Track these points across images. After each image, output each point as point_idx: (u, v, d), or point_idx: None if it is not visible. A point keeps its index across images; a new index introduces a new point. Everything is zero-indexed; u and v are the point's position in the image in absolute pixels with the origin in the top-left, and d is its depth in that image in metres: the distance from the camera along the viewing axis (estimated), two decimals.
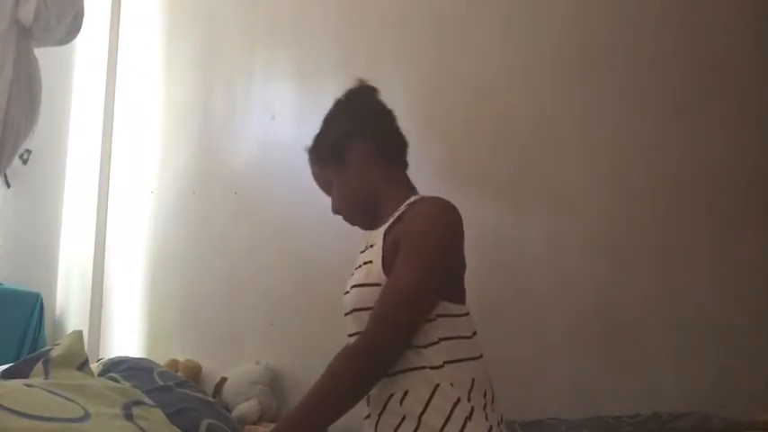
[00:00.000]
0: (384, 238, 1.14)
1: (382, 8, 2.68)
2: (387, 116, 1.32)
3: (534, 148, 2.44)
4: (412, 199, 1.18)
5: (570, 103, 2.43)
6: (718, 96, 2.33)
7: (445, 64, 2.56)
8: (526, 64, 2.49)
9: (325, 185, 1.32)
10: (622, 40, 2.43)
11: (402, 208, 1.17)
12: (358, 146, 1.25)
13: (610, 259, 2.31)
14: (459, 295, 1.15)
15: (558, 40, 2.47)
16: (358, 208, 1.27)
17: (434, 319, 1.08)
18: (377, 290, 1.08)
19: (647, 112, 2.37)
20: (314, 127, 2.54)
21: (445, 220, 1.12)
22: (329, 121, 1.34)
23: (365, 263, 1.15)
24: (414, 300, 1.05)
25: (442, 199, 1.16)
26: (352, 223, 1.31)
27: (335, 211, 1.31)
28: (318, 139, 1.34)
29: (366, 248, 1.19)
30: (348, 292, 1.17)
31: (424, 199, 1.17)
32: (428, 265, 1.07)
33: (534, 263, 2.36)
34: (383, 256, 1.11)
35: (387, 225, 1.17)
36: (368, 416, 1.12)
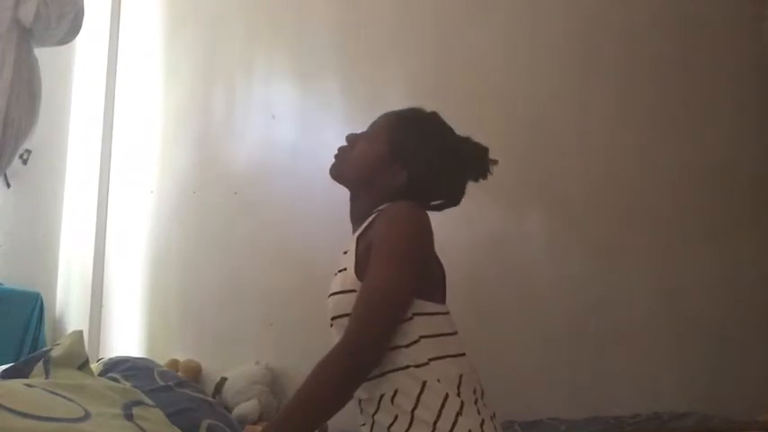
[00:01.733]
0: (357, 244, 1.16)
1: (383, 8, 2.68)
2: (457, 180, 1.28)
3: (535, 149, 2.44)
4: (384, 205, 1.18)
5: (571, 104, 2.44)
6: (718, 98, 2.34)
7: (446, 64, 2.56)
8: (527, 64, 2.49)
9: (365, 132, 1.29)
10: (623, 41, 2.43)
11: (374, 214, 1.18)
12: (401, 174, 1.22)
13: (610, 259, 2.31)
14: (436, 294, 1.16)
15: (560, 41, 2.47)
16: (356, 171, 1.26)
17: (411, 318, 1.09)
18: (353, 296, 1.09)
19: (647, 112, 2.37)
20: (315, 126, 2.54)
21: (413, 220, 1.14)
22: (421, 129, 1.27)
23: (340, 270, 1.16)
24: (389, 298, 1.07)
25: (410, 202, 1.17)
26: (336, 160, 1.29)
27: (350, 139, 1.29)
28: (404, 119, 1.27)
29: (341, 256, 1.20)
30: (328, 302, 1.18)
31: (392, 204, 1.18)
32: (400, 264, 1.08)
33: (534, 263, 2.36)
34: (356, 262, 1.13)
35: (359, 231, 1.18)
36: (363, 424, 1.13)
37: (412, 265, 1.10)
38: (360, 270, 1.11)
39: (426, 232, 1.15)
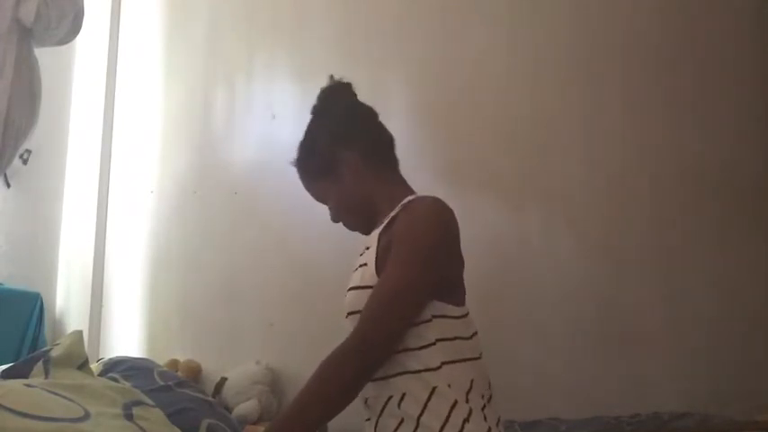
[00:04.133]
0: (378, 241, 1.14)
1: (384, 8, 2.68)
2: (368, 117, 1.30)
3: (536, 149, 2.44)
4: (407, 200, 1.16)
5: (572, 105, 2.43)
6: (719, 99, 2.33)
7: (447, 64, 2.56)
8: (529, 64, 2.49)
9: (320, 197, 1.31)
10: (625, 42, 2.43)
11: (397, 209, 1.15)
12: (346, 156, 1.23)
13: (610, 260, 2.31)
14: (456, 296, 1.14)
15: (561, 40, 2.47)
16: (357, 215, 1.26)
17: (429, 320, 1.07)
18: (370, 292, 1.08)
19: (648, 113, 2.37)
20: None
21: (437, 219, 1.11)
22: (311, 132, 1.32)
23: (361, 266, 1.15)
24: (402, 298, 1.05)
25: (436, 198, 1.15)
26: (352, 230, 1.30)
27: (335, 220, 1.30)
28: (303, 153, 1.32)
29: (363, 251, 1.19)
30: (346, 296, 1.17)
31: (417, 199, 1.16)
32: (418, 264, 1.06)
33: (534, 263, 2.36)
34: (377, 258, 1.11)
35: (381, 227, 1.16)
36: (368, 419, 1.12)
37: (432, 264, 1.07)
38: (379, 266, 1.09)
39: (451, 232, 1.12)
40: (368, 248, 1.17)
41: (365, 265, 1.13)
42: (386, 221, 1.16)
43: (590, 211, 2.36)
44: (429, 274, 1.07)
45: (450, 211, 1.13)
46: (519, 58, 2.50)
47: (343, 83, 1.32)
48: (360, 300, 1.09)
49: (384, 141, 1.30)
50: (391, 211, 1.17)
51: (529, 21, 2.52)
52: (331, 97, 1.31)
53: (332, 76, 1.32)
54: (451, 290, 1.13)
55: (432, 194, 1.19)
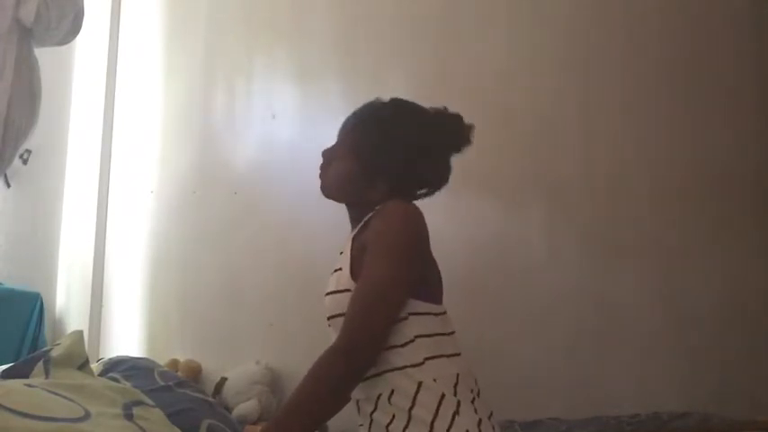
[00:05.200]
0: (352, 245, 1.16)
1: (384, 8, 2.68)
2: (447, 172, 1.27)
3: (536, 149, 2.44)
4: (379, 206, 1.18)
5: (572, 105, 2.44)
6: (719, 99, 2.33)
7: (447, 64, 2.56)
8: (528, 65, 2.49)
9: (333, 152, 1.28)
10: (624, 43, 2.43)
11: (370, 214, 1.18)
12: (381, 186, 1.21)
13: (610, 260, 2.31)
14: (432, 294, 1.16)
15: (561, 41, 2.47)
16: (342, 196, 1.27)
17: (406, 318, 1.09)
18: (347, 296, 1.09)
19: (648, 113, 2.37)
20: (315, 126, 2.55)
21: (407, 219, 1.13)
22: (400, 125, 1.25)
23: (336, 270, 1.17)
24: (383, 299, 1.07)
25: (405, 200, 1.17)
26: (321, 180, 1.28)
27: (322, 169, 1.28)
28: (373, 132, 1.24)
29: (338, 256, 1.21)
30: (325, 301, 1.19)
31: (389, 203, 1.17)
32: (396, 262, 1.08)
33: (534, 263, 2.36)
34: (351, 262, 1.13)
35: (355, 231, 1.19)
36: (361, 424, 1.13)
37: (407, 264, 1.10)
38: (354, 270, 1.12)
39: (422, 232, 1.14)
40: (342, 252, 1.18)
41: (340, 269, 1.15)
42: (359, 225, 1.18)
43: (590, 210, 2.36)
44: (407, 273, 1.10)
45: (420, 213, 1.15)
46: (518, 59, 2.50)
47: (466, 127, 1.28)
48: (338, 304, 1.11)
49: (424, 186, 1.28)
50: (367, 214, 1.18)
51: (528, 21, 2.52)
52: (449, 124, 1.28)
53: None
54: (428, 288, 1.15)
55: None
